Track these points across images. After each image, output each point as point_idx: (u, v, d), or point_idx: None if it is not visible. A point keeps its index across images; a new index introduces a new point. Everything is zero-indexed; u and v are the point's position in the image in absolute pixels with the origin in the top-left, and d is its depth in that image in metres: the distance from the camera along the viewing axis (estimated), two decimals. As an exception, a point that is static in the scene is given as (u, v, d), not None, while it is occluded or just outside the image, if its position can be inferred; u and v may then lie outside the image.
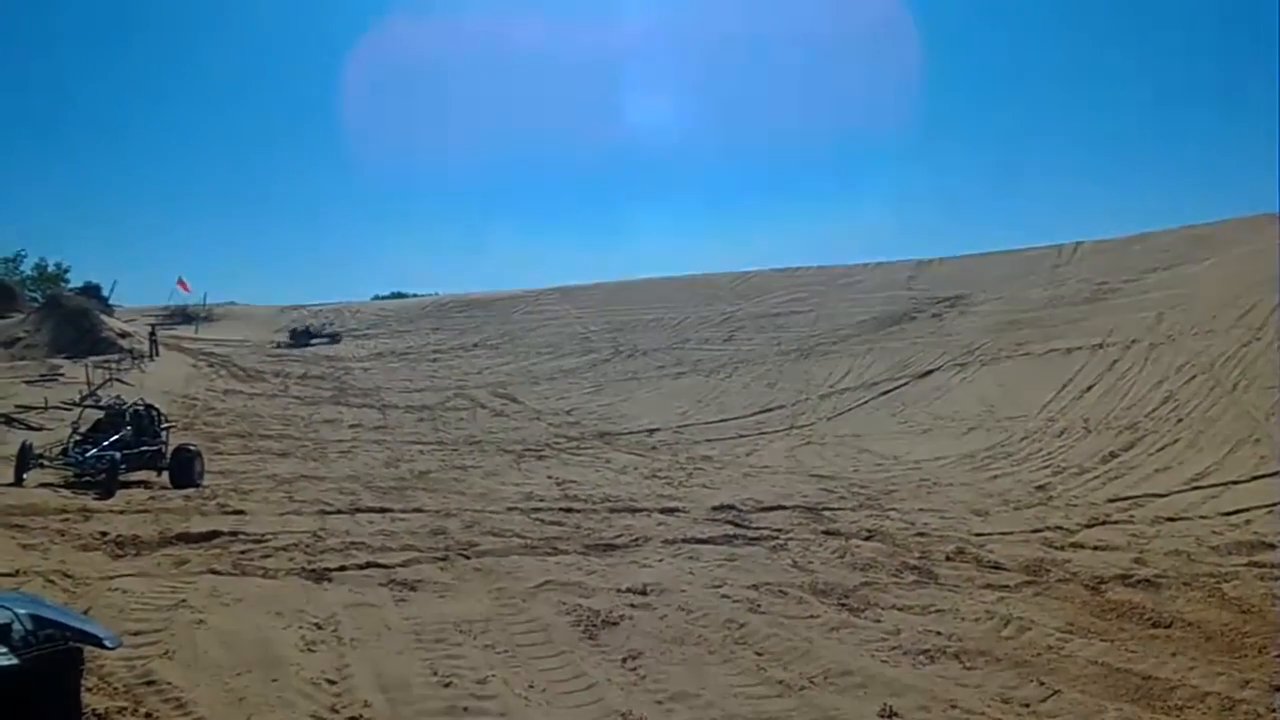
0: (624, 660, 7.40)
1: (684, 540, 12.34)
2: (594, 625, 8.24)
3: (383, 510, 13.65)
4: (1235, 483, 15.96)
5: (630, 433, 25.61)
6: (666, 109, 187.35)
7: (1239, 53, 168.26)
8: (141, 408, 17.40)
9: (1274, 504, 14.49)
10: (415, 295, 71.46)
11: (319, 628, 7.66)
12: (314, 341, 51.49)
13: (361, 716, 5.88)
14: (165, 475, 15.68)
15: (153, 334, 37.59)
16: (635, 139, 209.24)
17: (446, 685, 6.53)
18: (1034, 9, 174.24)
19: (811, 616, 8.93)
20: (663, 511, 14.44)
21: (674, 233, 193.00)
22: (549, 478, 17.80)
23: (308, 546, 10.97)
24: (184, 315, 56.25)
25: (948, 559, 11.67)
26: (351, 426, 25.19)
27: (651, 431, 25.85)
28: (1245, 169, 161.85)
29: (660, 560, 11.27)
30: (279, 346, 50.59)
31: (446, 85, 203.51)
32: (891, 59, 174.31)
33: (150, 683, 6.00)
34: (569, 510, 14.36)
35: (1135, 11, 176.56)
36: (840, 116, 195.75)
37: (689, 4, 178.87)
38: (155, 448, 16.46)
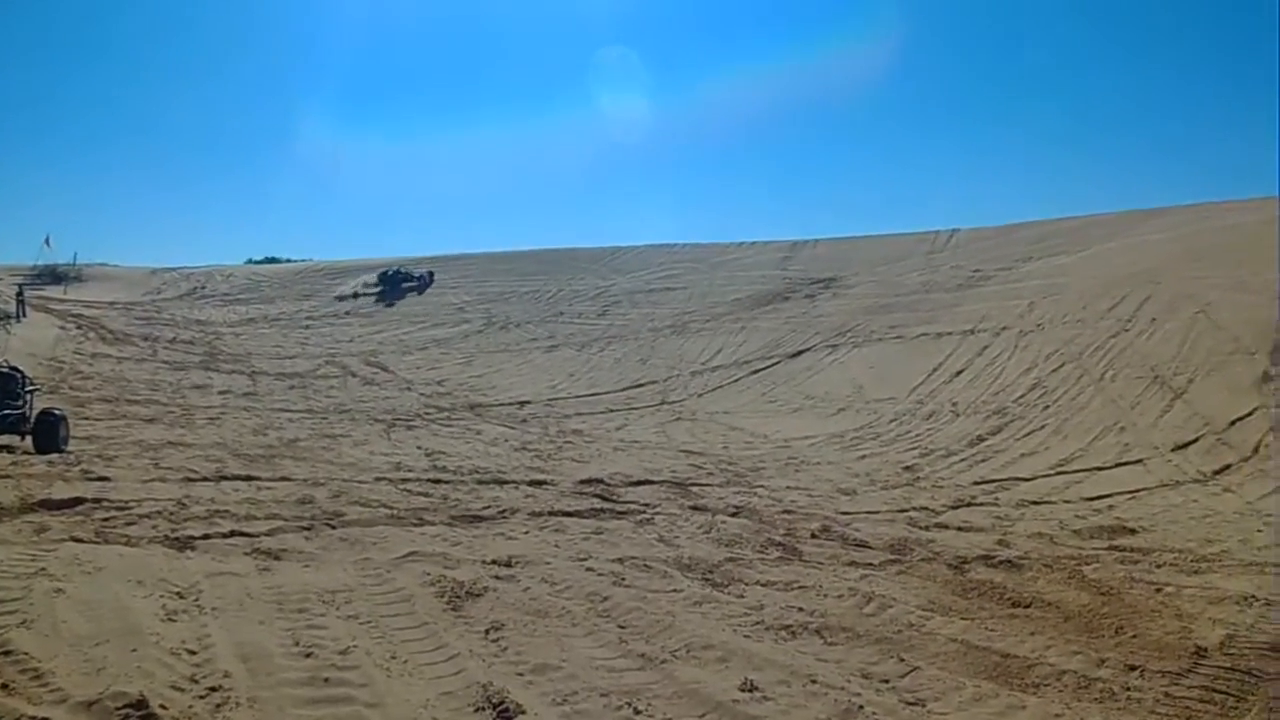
0: (487, 632, 7.46)
1: (551, 513, 12.51)
2: (458, 596, 8.28)
3: (249, 478, 13.54)
4: (1099, 469, 16.72)
5: (501, 405, 25.64)
6: (551, 83, 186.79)
7: (1118, 51, 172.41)
8: (5, 369, 16.97)
9: (1136, 490, 15.17)
10: (289, 260, 70.24)
11: (180, 597, 7.60)
12: (405, 286, 48.72)
13: (221, 687, 5.84)
14: (29, 440, 15.34)
15: (20, 294, 36.33)
16: (516, 113, 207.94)
17: (308, 656, 6.53)
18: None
19: (675, 591, 9.07)
20: (531, 484, 14.59)
21: (551, 206, 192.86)
22: (418, 448, 17.79)
23: (172, 514, 10.85)
24: (54, 275, 54.37)
25: (813, 536, 11.96)
26: (221, 393, 24.82)
27: (522, 404, 25.92)
28: (1119, 164, 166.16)
29: (526, 532, 11.40)
30: (363, 296, 48.33)
31: (322, 43, 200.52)
32: (770, 42, 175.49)
33: (6, 652, 5.91)
34: (437, 481, 14.42)
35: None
36: (719, 97, 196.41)
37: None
38: (19, 411, 16.02)
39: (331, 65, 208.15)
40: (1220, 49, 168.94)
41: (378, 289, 48.85)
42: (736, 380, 28.70)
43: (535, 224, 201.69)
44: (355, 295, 48.80)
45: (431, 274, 50.04)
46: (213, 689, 5.84)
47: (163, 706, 5.37)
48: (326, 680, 6.15)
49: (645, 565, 10.00)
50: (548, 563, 9.84)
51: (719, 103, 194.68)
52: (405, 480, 14.33)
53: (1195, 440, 17.30)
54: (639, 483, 15.15)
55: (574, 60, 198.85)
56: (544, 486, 14.46)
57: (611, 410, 25.44)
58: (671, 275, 44.51)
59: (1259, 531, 12.68)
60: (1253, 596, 9.47)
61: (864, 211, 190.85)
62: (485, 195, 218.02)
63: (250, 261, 72.08)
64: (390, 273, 49.70)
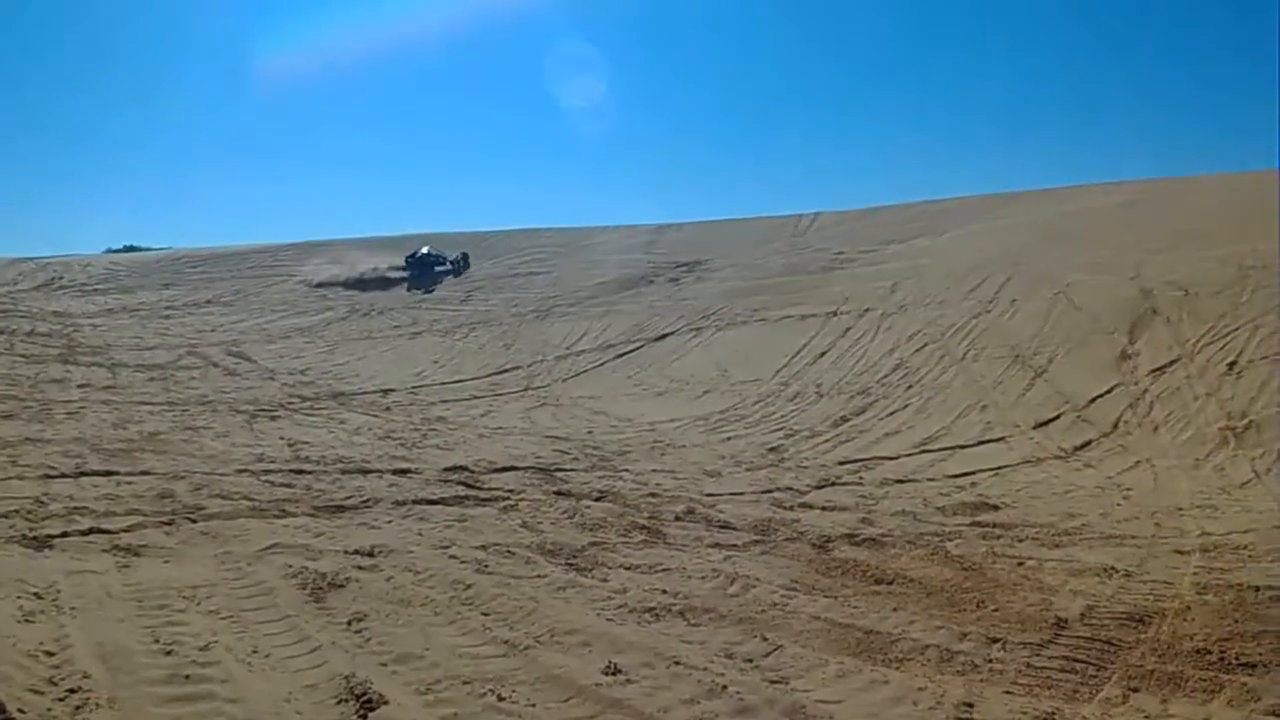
0: (349, 623, 7.59)
1: (415, 501, 12.54)
2: (320, 588, 8.38)
3: (109, 474, 13.30)
4: (962, 447, 17.25)
5: (365, 393, 25.34)
6: (405, 61, 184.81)
7: (968, 39, 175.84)
8: None
9: (999, 467, 15.72)
10: (149, 249, 68.47)
11: (38, 597, 7.57)
12: (439, 270, 42.97)
13: (81, 688, 5.88)
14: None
15: None
16: (372, 92, 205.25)
17: (168, 653, 6.58)
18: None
19: (539, 576, 9.28)
20: (395, 473, 14.57)
21: (413, 190, 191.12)
22: (281, 439, 17.56)
23: (29, 513, 10.65)
24: (-98, 271, 52.55)
25: (677, 519, 12.18)
26: (80, 386, 24.20)
27: (386, 392, 25.64)
28: (976, 149, 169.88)
29: (390, 522, 11.47)
30: (397, 282, 42.75)
31: (181, 21, 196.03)
32: (633, 27, 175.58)
33: None
34: (300, 472, 14.32)
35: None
36: (576, 78, 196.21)
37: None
38: None
39: (195, 50, 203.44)
40: (1068, 33, 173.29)
41: (405, 274, 43.36)
42: (601, 364, 28.86)
43: (394, 209, 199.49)
44: (385, 280, 43.21)
45: (466, 255, 44.46)
46: (72, 690, 5.87)
47: (21, 710, 5.41)
48: (187, 677, 6.23)
49: (509, 552, 10.17)
50: (411, 551, 9.95)
51: (587, 89, 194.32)
52: (268, 472, 14.20)
53: (1056, 417, 18.03)
54: (504, 469, 15.23)
55: (427, 41, 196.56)
56: (408, 475, 14.46)
57: (476, 397, 25.37)
58: (537, 260, 44.34)
59: (1118, 505, 13.25)
60: (1112, 568, 9.95)
61: (728, 196, 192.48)
62: (343, 180, 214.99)
63: (109, 251, 70.14)
64: (419, 255, 43.85)
